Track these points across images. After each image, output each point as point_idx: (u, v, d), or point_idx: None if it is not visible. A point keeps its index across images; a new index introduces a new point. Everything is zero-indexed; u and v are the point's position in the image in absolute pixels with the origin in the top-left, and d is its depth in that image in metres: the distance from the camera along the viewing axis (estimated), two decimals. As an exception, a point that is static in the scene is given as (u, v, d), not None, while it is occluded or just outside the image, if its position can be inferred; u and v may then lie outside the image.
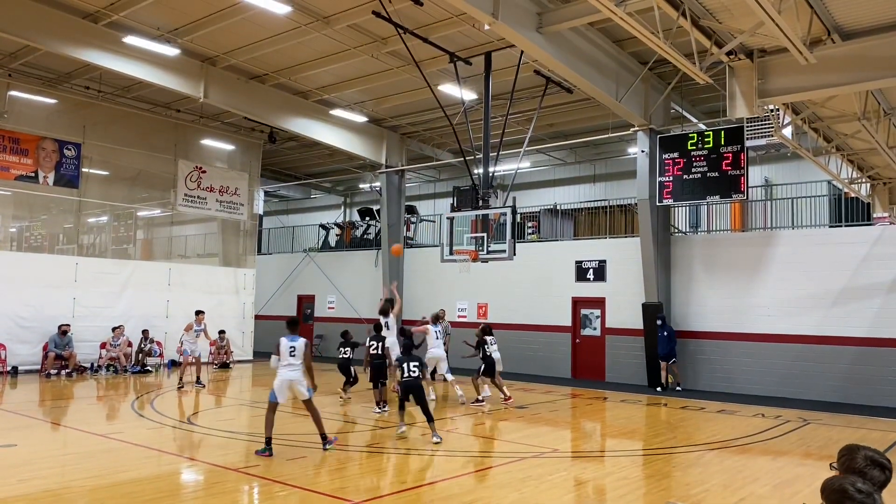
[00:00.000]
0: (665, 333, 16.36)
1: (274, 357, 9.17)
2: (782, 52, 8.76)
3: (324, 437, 9.08)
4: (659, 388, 16.35)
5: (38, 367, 16.93)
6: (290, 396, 9.03)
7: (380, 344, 12.62)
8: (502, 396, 13.57)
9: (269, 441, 8.76)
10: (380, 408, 12.38)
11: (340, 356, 13.89)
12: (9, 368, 16.53)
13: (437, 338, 13.56)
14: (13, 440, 9.14)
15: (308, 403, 9.06)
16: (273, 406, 8.94)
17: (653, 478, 8.21)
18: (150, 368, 18.17)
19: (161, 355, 19.07)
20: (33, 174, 17.65)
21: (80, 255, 19.12)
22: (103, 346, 18.04)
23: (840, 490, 2.41)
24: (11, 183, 17.42)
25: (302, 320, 25.70)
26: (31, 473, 7.24)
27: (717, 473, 8.17)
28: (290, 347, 8.99)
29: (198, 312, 16.46)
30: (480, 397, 13.51)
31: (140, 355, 18.38)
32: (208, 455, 8.93)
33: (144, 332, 18.54)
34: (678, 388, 16.35)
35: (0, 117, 17.15)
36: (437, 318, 14.33)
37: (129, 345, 18.39)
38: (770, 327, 15.89)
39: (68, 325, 17.30)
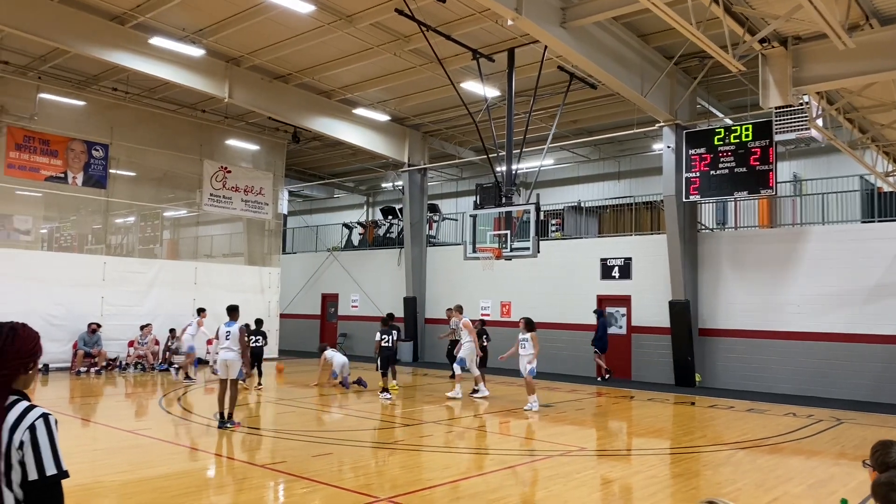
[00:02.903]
0: (603, 327, 17.64)
1: (215, 341, 10.91)
2: (818, 38, 8.54)
3: (229, 416, 10.04)
4: (600, 379, 17.54)
5: (69, 364, 17.20)
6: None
7: (390, 337, 13.67)
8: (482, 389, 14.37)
9: (222, 415, 10.04)
10: (386, 395, 13.54)
11: (254, 344, 14.63)
12: (40, 366, 16.78)
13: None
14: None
15: (233, 384, 10.11)
16: (222, 383, 10.16)
17: (682, 476, 8.08)
18: (177, 366, 18.34)
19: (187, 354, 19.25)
20: (62, 175, 17.92)
21: (108, 254, 19.37)
22: (131, 344, 18.27)
23: (888, 483, 2.43)
24: (42, 184, 17.70)
25: (326, 319, 25.88)
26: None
27: (748, 472, 8.01)
28: (227, 332, 10.28)
29: (200, 311, 17.30)
30: (478, 388, 14.26)
31: (167, 353, 18.57)
32: (234, 451, 8.99)
33: (171, 330, 18.71)
34: (607, 378, 17.48)
35: (30, 119, 17.45)
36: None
37: (157, 343, 18.60)
38: (800, 325, 15.60)
39: (97, 324, 17.55)
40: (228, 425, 9.97)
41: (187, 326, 17.17)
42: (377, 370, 13.87)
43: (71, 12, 14.22)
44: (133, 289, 19.06)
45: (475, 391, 14.24)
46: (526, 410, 12.08)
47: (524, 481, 7.70)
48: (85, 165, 18.34)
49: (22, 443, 2.20)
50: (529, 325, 12.77)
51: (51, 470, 2.22)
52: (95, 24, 14.63)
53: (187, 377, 16.09)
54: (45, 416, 2.27)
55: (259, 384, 14.99)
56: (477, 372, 14.22)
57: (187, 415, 11.54)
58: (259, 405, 13.10)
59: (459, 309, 14.81)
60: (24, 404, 2.28)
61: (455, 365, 14.25)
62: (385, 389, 13.69)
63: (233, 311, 10.55)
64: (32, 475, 2.20)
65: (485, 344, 14.71)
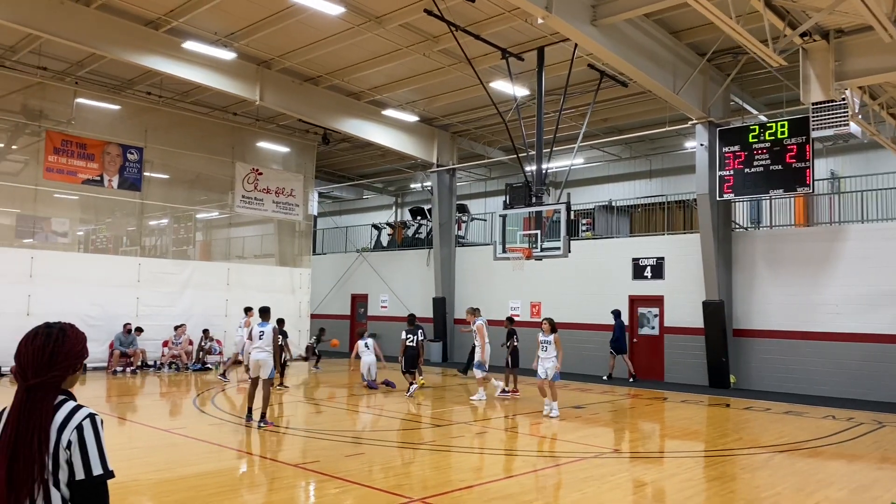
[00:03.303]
0: (620, 328, 17.69)
1: (247, 341, 10.94)
2: (862, 31, 8.29)
3: (262, 416, 10.12)
4: (632, 379, 17.49)
5: (105, 364, 17.53)
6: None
7: (415, 337, 13.99)
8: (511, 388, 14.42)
9: (250, 410, 10.35)
10: (412, 387, 13.95)
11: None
12: (78, 366, 17.12)
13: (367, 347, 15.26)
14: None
15: (265, 383, 10.26)
16: (253, 381, 10.45)
17: (718, 480, 7.92)
18: (210, 366, 18.60)
19: (221, 353, 19.50)
20: (99, 178, 18.28)
21: (142, 256, 19.70)
22: (165, 344, 18.57)
23: None
24: (79, 187, 18.08)
25: (355, 319, 26.00)
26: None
27: (787, 476, 7.83)
28: (260, 332, 10.39)
29: (247, 310, 16.86)
30: (507, 388, 14.28)
31: (201, 353, 18.84)
32: (268, 450, 9.06)
33: (205, 330, 18.99)
34: (605, 379, 17.75)
35: (68, 124, 17.84)
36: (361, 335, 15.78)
37: (190, 343, 18.87)
38: (839, 326, 15.23)
39: (130, 324, 17.83)
40: (261, 425, 10.05)
41: (238, 328, 17.17)
42: (401, 370, 14.15)
43: (107, 18, 14.49)
44: (167, 289, 19.37)
45: (504, 391, 14.18)
46: (553, 417, 11.70)
47: (557, 483, 7.62)
48: (120, 168, 18.68)
49: (70, 442, 2.22)
50: (553, 327, 12.04)
51: (97, 470, 2.24)
52: (130, 29, 14.88)
53: (223, 375, 16.22)
54: (91, 417, 2.29)
55: (282, 384, 14.90)
56: (486, 373, 14.19)
57: (221, 414, 11.66)
58: (288, 405, 13.19)
59: (472, 311, 14.45)
60: (71, 404, 2.30)
61: (475, 369, 14.14)
62: (410, 384, 13.99)
63: (265, 313, 10.78)
64: (79, 475, 2.22)
65: (515, 344, 14.58)
